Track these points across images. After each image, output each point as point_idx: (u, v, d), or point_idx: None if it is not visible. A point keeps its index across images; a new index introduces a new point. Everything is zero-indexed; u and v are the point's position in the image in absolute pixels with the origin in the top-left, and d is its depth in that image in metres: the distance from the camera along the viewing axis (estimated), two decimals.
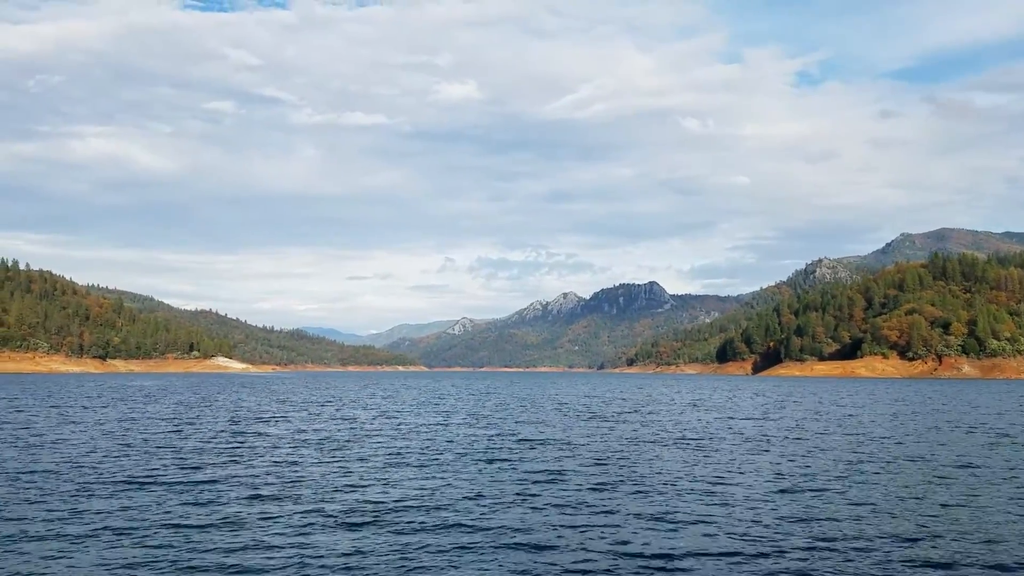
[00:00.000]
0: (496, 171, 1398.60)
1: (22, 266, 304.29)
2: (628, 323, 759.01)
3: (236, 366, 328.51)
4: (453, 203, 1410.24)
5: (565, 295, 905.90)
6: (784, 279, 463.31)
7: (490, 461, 25.39)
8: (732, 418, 47.91)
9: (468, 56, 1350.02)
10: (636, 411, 54.73)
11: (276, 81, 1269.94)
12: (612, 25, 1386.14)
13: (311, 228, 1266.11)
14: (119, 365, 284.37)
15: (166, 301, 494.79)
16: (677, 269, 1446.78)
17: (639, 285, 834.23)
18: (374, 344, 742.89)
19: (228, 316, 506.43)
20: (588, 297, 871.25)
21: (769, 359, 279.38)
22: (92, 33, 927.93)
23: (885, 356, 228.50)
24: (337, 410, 53.44)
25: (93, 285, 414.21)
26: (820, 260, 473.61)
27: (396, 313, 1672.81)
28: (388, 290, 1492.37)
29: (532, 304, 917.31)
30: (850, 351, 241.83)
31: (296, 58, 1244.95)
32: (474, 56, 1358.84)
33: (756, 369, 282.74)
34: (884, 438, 34.36)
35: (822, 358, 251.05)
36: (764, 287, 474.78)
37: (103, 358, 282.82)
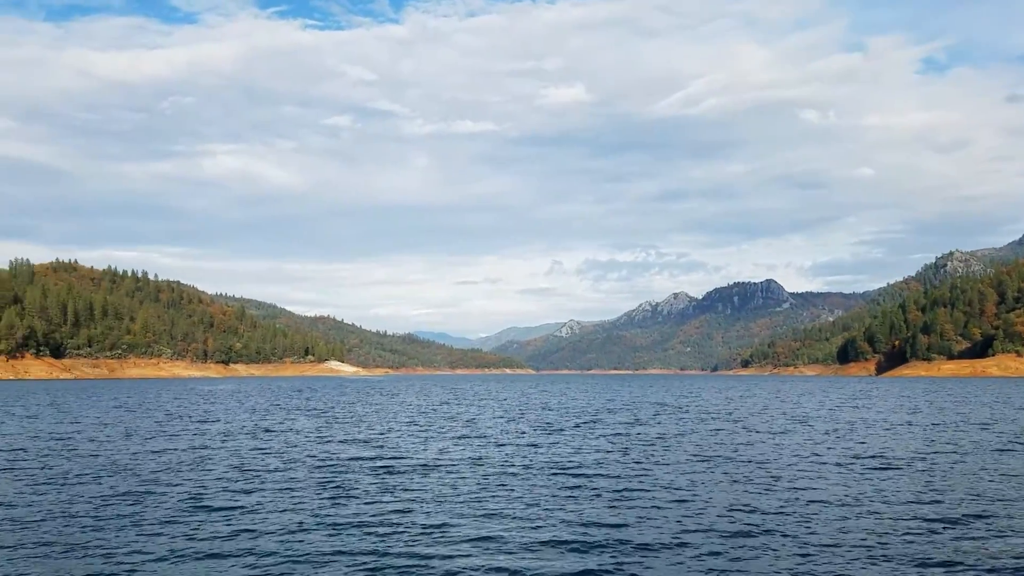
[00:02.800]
0: (605, 173, 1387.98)
1: (152, 277, 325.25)
2: (743, 323, 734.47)
3: (347, 369, 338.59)
4: (561, 206, 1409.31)
5: (675, 295, 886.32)
6: (913, 274, 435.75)
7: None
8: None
9: (576, 59, 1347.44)
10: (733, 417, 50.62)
11: (390, 94, 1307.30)
12: (725, 20, 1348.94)
13: (424, 236, 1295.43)
14: (240, 369, 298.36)
15: (288, 308, 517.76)
16: (797, 266, 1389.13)
17: (755, 283, 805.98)
18: (483, 347, 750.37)
19: (344, 322, 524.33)
20: (700, 297, 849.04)
21: (894, 359, 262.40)
22: (221, 56, 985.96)
23: (1019, 354, 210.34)
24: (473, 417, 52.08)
25: (220, 294, 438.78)
26: (951, 253, 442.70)
27: (505, 317, 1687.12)
28: (497, 294, 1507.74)
29: (641, 305, 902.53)
30: (981, 349, 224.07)
31: (409, 71, 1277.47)
32: (582, 59, 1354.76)
33: (880, 370, 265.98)
34: None
35: (951, 357, 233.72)
36: (891, 283, 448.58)
37: (226, 363, 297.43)
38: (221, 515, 16.25)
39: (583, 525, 15.32)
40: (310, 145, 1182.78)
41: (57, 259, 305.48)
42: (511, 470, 22.70)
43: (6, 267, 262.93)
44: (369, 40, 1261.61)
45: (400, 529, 14.85)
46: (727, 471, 22.69)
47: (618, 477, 21.50)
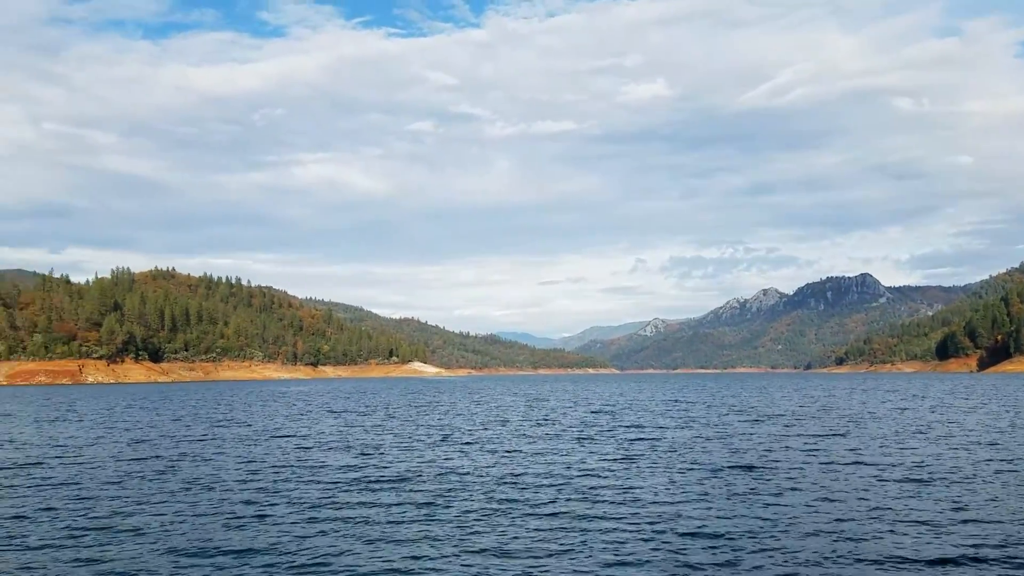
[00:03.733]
0: (689, 168, 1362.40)
1: (245, 282, 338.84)
2: (837, 319, 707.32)
3: (429, 370, 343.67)
4: (645, 203, 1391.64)
5: (765, 291, 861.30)
6: (1016, 265, 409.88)
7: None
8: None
9: (656, 55, 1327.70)
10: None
11: (471, 98, 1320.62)
12: (813, 8, 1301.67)
13: (506, 237, 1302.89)
14: (328, 371, 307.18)
15: (374, 311, 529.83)
16: (894, 259, 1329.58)
17: (849, 278, 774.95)
18: (565, 347, 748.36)
19: (428, 323, 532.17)
20: (791, 293, 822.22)
21: (996, 354, 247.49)
22: (309, 68, 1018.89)
23: None
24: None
25: (309, 298, 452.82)
26: None
27: (587, 316, 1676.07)
28: (580, 293, 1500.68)
29: (728, 302, 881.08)
30: None
31: (489, 74, 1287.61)
32: (663, 54, 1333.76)
33: (981, 366, 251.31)
34: None
35: None
36: (994, 275, 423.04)
37: (314, 365, 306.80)
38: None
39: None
40: (394, 151, 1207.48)
41: (156, 267, 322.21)
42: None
43: (108, 275, 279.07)
44: (450, 45, 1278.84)
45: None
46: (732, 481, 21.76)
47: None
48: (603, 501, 17.15)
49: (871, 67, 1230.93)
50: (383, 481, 20.27)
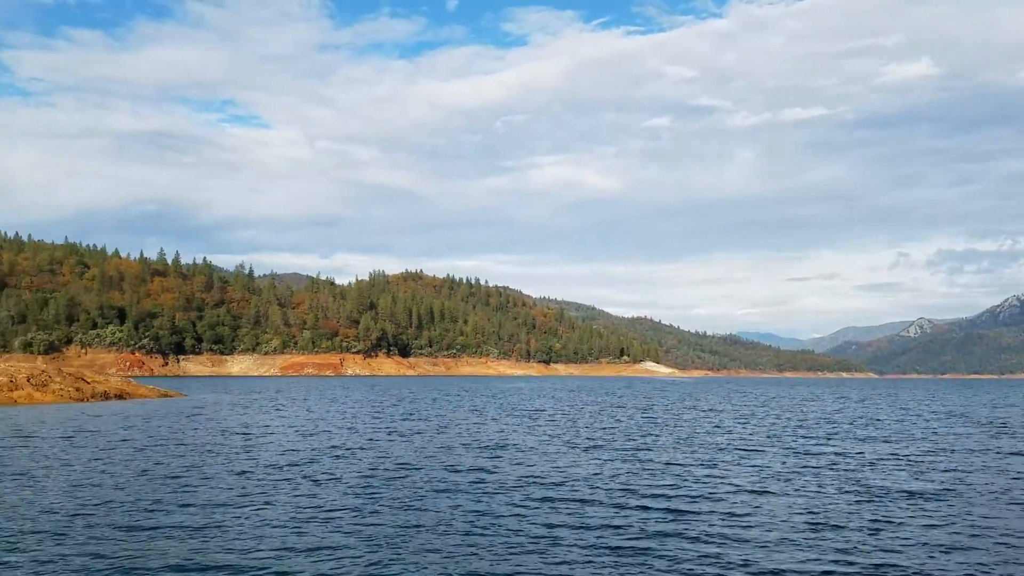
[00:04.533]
0: (960, 152, 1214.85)
1: (483, 283, 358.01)
2: None
3: (662, 371, 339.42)
4: (907, 192, 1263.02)
5: None
6: None
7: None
8: None
9: (921, 32, 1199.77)
10: None
11: (711, 90, 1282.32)
12: None
13: (748, 232, 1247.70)
14: (560, 368, 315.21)
15: (607, 310, 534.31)
16: None
17: None
18: (815, 349, 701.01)
19: (662, 322, 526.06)
20: None
21: None
22: (549, 73, 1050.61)
23: None
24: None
25: (543, 297, 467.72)
26: None
27: (840, 315, 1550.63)
28: (831, 291, 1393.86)
29: (1007, 300, 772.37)
30: None
31: (731, 64, 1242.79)
32: (929, 30, 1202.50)
33: None
34: None
35: None
36: None
37: (546, 362, 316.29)
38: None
39: None
40: (630, 148, 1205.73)
41: (407, 269, 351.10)
42: None
43: (367, 278, 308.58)
44: (690, 38, 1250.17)
45: None
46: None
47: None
48: None
49: None
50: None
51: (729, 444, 30.48)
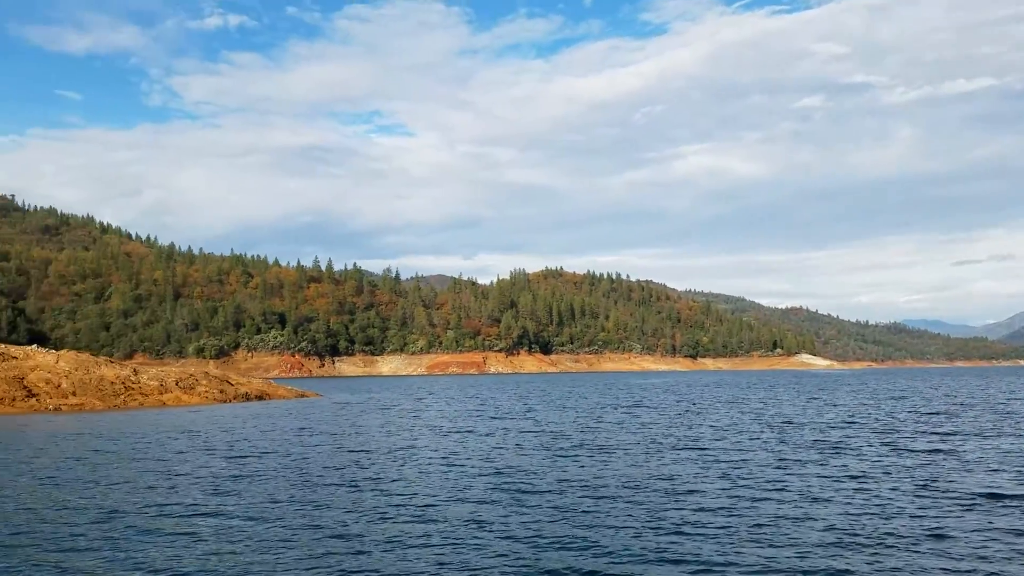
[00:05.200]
0: None
1: (625, 278, 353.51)
2: None
3: (819, 363, 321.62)
4: None
5: None
6: None
7: None
8: None
9: None
10: None
11: (865, 66, 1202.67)
12: None
13: (910, 213, 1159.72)
14: (708, 363, 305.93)
15: (757, 301, 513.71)
16: None
17: None
18: (988, 336, 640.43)
19: (819, 312, 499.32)
20: None
21: None
22: (689, 60, 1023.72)
23: None
24: None
25: (689, 290, 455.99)
26: None
27: (1018, 300, 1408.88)
28: (1007, 273, 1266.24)
29: None
30: None
31: (887, 37, 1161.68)
32: None
33: None
34: None
35: None
36: None
37: (693, 357, 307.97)
38: None
39: None
40: (777, 132, 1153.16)
41: (546, 267, 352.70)
42: None
43: (507, 277, 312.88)
44: (840, 13, 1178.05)
45: None
46: None
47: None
48: None
49: None
50: None
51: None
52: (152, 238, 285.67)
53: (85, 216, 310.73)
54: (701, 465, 21.91)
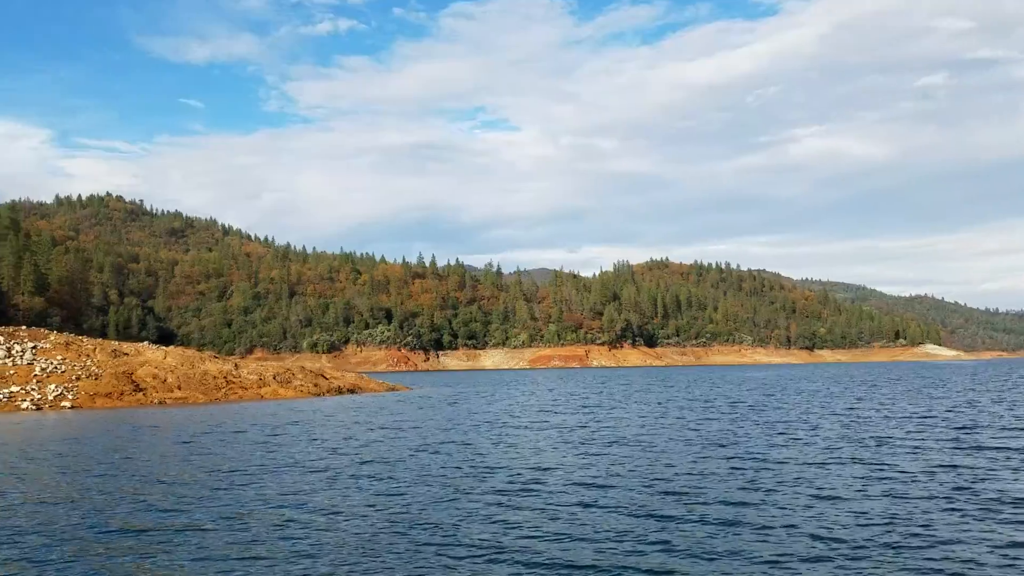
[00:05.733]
0: None
1: (736, 267, 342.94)
2: None
3: (945, 353, 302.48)
4: None
5: None
6: None
7: None
8: None
9: None
10: None
11: (991, 40, 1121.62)
12: None
13: None
14: (825, 355, 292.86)
15: (879, 289, 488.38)
16: None
17: None
18: None
19: (945, 300, 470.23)
20: None
21: None
22: (803, 40, 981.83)
23: None
24: None
25: (804, 279, 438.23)
26: None
27: None
28: None
29: None
30: None
31: (1014, 10, 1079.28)
32: None
33: None
34: None
35: None
36: None
37: (810, 349, 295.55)
38: None
39: None
40: (897, 112, 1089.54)
41: (651, 258, 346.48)
42: None
43: (610, 269, 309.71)
44: None
45: None
46: None
47: None
48: None
49: None
50: None
51: None
52: (270, 238, 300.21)
53: (208, 219, 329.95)
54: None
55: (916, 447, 23.40)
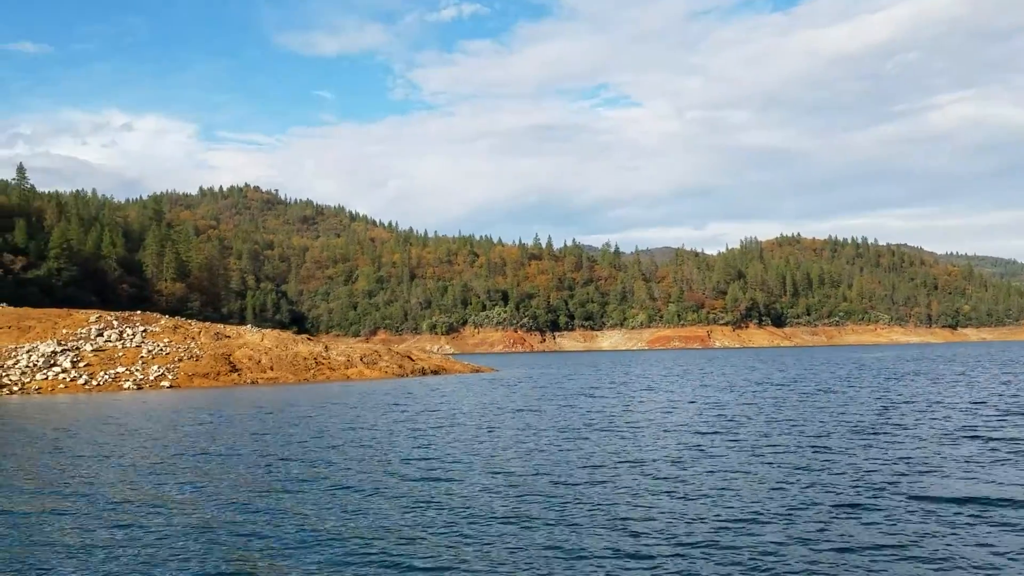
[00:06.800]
0: None
1: (874, 242, 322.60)
2: None
3: None
4: None
5: None
6: None
7: None
8: None
9: None
10: None
11: None
12: None
13: None
14: (970, 334, 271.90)
15: None
16: None
17: None
18: None
19: None
20: None
21: None
22: (946, 2, 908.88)
23: None
24: None
25: (948, 253, 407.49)
26: None
27: None
28: None
29: None
30: None
31: None
32: None
33: None
34: None
35: None
36: None
37: (953, 327, 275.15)
38: None
39: None
40: None
41: (782, 234, 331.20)
42: None
43: (737, 247, 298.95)
44: None
45: None
46: None
47: None
48: None
49: None
50: None
51: None
52: (393, 223, 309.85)
53: (336, 206, 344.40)
54: None
55: None
